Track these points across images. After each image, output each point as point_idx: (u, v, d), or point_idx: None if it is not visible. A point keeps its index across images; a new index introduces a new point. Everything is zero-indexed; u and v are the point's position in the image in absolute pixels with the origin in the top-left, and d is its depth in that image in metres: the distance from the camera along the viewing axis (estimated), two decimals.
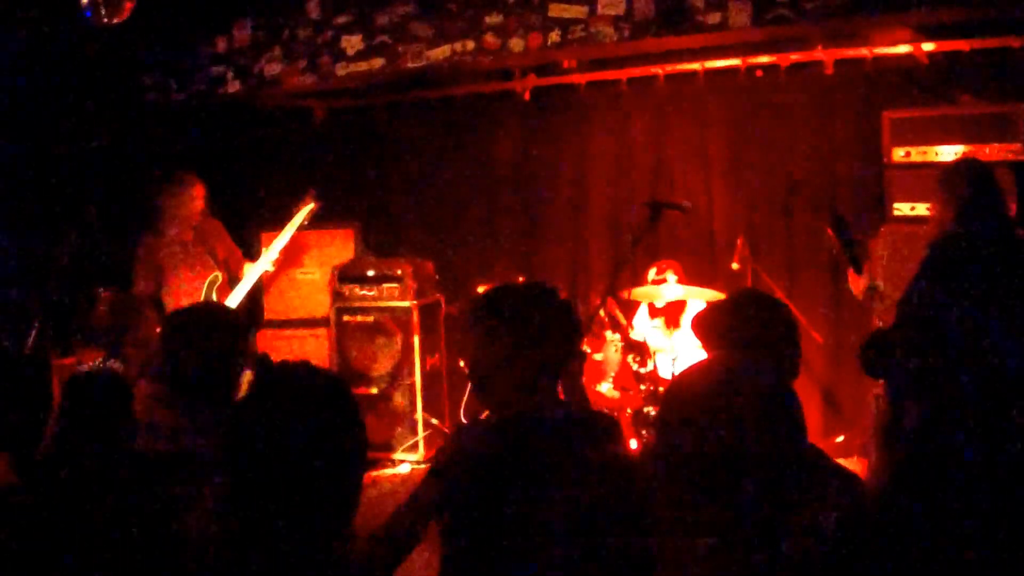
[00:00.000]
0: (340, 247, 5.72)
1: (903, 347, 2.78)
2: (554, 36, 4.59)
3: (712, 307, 2.16)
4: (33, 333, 4.62)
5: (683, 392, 1.49)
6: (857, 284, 3.56)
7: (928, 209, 3.75)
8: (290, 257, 5.61)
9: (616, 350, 4.83)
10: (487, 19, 4.75)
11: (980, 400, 1.80)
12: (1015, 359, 3.04)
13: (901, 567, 1.58)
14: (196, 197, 4.96)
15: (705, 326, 2.08)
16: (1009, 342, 3.13)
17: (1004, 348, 3.11)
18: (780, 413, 1.42)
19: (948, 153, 4.44)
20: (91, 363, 4.37)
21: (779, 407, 1.43)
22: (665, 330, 5.11)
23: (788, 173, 5.05)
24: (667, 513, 1.49)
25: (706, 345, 2.07)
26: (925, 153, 4.51)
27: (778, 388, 1.47)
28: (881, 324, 3.65)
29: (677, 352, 4.80)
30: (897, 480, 1.88)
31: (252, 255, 5.29)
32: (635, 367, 4.67)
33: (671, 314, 5.11)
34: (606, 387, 4.80)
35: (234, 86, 5.49)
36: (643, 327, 5.10)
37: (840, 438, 4.91)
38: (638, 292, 4.93)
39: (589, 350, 4.83)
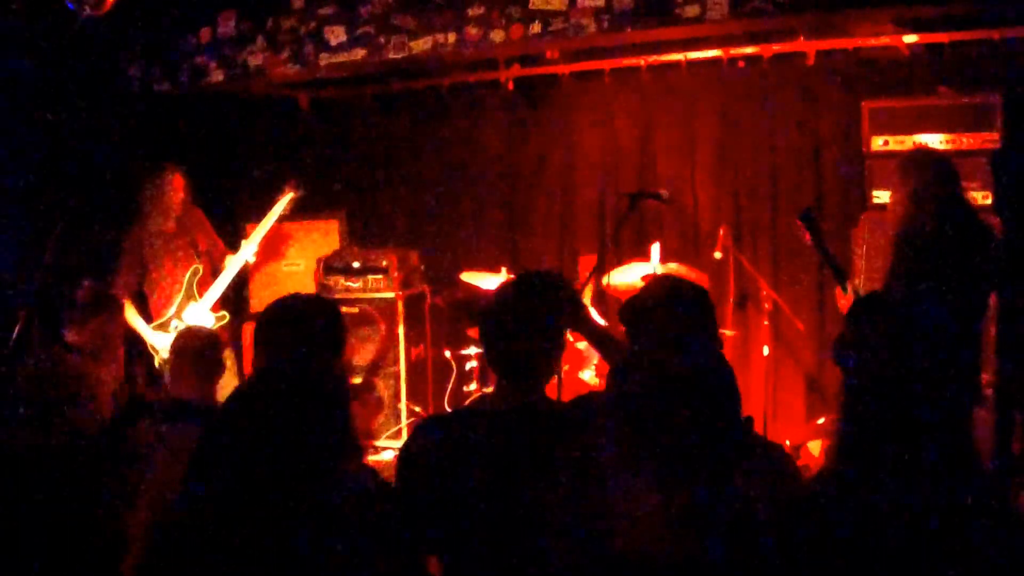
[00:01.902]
0: (325, 238, 5.73)
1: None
2: (535, 27, 4.61)
3: (632, 298, 2.15)
4: (18, 326, 4.63)
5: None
6: (845, 303, 3.61)
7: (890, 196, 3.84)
8: (275, 248, 5.62)
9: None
10: (469, 11, 4.76)
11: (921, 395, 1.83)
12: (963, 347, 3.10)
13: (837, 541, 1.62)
14: (177, 188, 4.96)
15: (627, 317, 2.09)
16: (955, 326, 3.20)
17: (951, 334, 3.17)
18: (725, 387, 1.44)
19: (927, 142, 4.48)
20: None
21: (723, 381, 1.45)
22: None
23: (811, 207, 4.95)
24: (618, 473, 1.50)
25: (629, 335, 2.08)
26: (903, 142, 4.55)
27: (722, 363, 1.49)
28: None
29: None
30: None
31: (237, 246, 5.30)
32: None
33: None
34: (588, 375, 4.84)
35: (218, 76, 5.49)
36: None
37: (822, 420, 4.98)
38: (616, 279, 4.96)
39: (572, 339, 4.86)
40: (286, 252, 5.74)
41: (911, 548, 1.57)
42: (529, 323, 1.98)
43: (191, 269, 4.97)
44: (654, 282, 2.23)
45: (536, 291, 2.04)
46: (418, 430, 2.08)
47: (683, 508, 1.37)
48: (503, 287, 2.09)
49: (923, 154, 3.72)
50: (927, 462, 1.65)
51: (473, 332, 5.13)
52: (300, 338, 2.18)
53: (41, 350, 4.18)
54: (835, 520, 1.62)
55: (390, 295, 5.33)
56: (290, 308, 2.26)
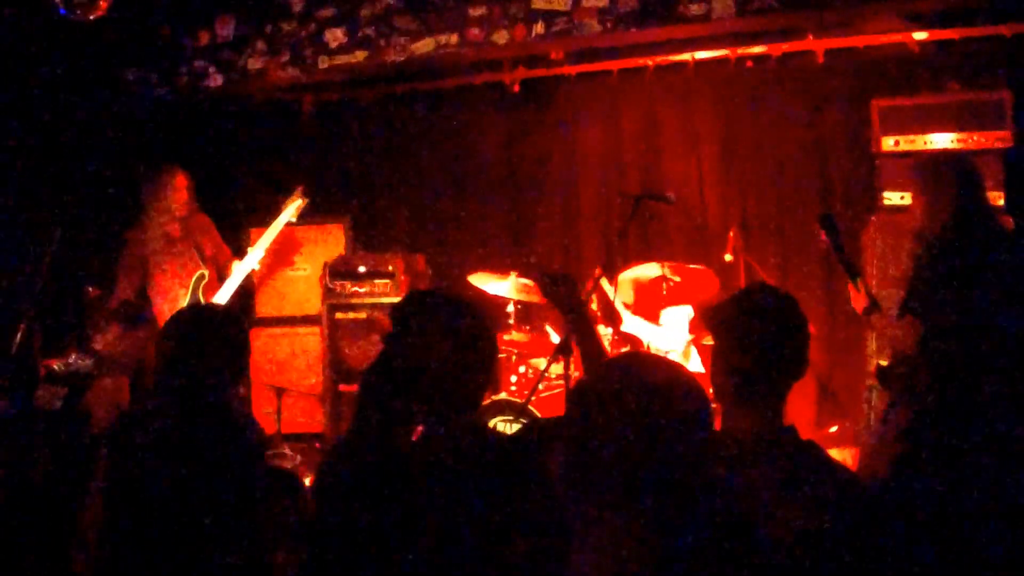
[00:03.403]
0: (331, 243, 5.67)
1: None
2: (538, 28, 4.55)
3: (722, 300, 2.14)
4: (19, 334, 4.59)
5: (595, 401, 1.45)
6: (859, 302, 3.54)
7: (906, 198, 3.74)
8: (282, 254, 5.56)
9: (607, 343, 4.81)
10: (471, 11, 4.71)
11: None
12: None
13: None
14: (179, 188, 4.88)
15: (713, 318, 2.05)
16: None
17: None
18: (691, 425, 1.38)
19: (938, 141, 4.41)
20: (58, 362, 4.41)
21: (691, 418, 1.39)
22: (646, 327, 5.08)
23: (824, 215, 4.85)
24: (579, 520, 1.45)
25: (713, 337, 2.05)
26: (914, 142, 4.48)
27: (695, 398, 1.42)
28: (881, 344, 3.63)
29: (671, 345, 4.80)
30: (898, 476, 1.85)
31: (241, 252, 5.24)
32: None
33: (648, 312, 5.07)
34: None
35: (216, 80, 5.43)
36: (631, 324, 5.08)
37: (834, 428, 4.91)
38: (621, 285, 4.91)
39: None
40: (292, 257, 5.68)
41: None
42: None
43: (197, 274, 4.91)
44: (750, 290, 2.19)
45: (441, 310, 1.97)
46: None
47: (650, 528, 1.31)
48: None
49: (960, 160, 3.59)
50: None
51: None
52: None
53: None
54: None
55: (396, 300, 5.25)
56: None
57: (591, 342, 2.41)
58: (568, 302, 2.47)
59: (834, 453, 4.42)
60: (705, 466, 1.35)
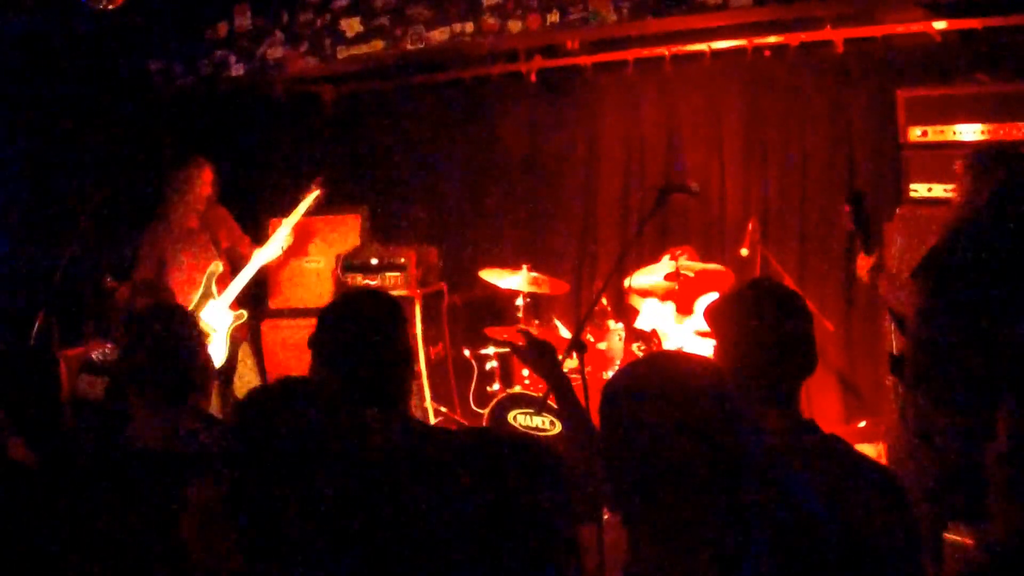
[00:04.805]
0: (346, 233, 5.64)
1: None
2: (553, 17, 4.48)
3: (723, 297, 2.07)
4: (36, 325, 4.64)
5: (622, 399, 1.41)
6: (864, 264, 3.39)
7: (947, 191, 3.57)
8: (297, 245, 5.56)
9: (620, 339, 4.73)
10: (486, 0, 4.64)
11: None
12: None
13: None
14: (205, 182, 4.91)
15: (715, 316, 2.00)
16: None
17: None
18: (724, 417, 1.32)
19: (967, 132, 4.26)
20: (97, 351, 4.45)
21: (722, 411, 1.33)
22: (677, 316, 4.98)
23: (850, 188, 4.67)
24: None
25: (716, 335, 1.99)
26: (943, 132, 4.33)
27: (721, 390, 1.36)
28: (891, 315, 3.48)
29: (684, 340, 4.70)
30: None
31: (259, 242, 5.25)
32: (640, 356, 4.57)
33: (683, 300, 4.98)
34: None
35: (238, 70, 5.44)
36: (654, 312, 4.97)
37: (863, 423, 4.78)
38: (637, 281, 4.81)
39: (593, 339, 4.73)
40: (307, 249, 5.66)
41: None
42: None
43: (210, 267, 4.92)
44: (754, 284, 2.12)
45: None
46: None
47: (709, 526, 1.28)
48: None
49: (1008, 149, 3.42)
50: None
51: (491, 331, 5.01)
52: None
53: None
54: None
55: (407, 293, 5.21)
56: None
57: (571, 408, 2.30)
58: (547, 370, 2.36)
59: (865, 448, 4.33)
60: (751, 459, 1.33)
